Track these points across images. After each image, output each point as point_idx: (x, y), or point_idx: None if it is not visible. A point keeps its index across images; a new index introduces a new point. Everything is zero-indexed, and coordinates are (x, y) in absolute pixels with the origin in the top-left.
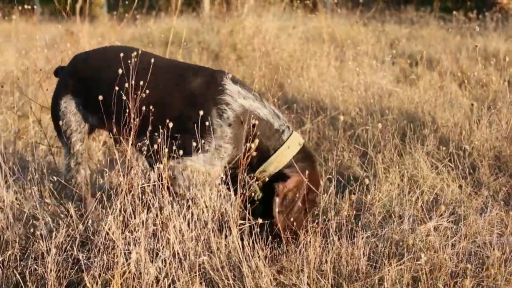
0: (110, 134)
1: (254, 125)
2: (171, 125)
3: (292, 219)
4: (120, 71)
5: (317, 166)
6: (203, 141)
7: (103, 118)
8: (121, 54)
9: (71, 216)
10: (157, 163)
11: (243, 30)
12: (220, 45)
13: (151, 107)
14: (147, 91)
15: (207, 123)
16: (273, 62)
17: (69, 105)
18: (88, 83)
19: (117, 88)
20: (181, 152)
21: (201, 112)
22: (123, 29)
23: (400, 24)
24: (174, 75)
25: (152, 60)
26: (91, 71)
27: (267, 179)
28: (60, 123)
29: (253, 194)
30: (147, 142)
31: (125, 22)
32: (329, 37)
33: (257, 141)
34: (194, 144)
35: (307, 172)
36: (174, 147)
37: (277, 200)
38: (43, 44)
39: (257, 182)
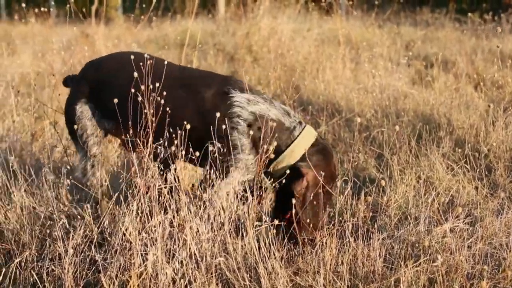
0: (124, 140)
1: (270, 129)
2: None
3: (311, 215)
4: (135, 74)
5: (333, 157)
6: (228, 159)
7: (118, 123)
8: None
9: (88, 217)
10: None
11: (258, 32)
12: (236, 47)
13: (166, 116)
14: (162, 101)
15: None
16: (288, 64)
17: (84, 110)
18: (103, 88)
19: (133, 90)
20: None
21: (216, 129)
22: (139, 32)
23: (416, 26)
24: (182, 85)
25: (166, 68)
26: (105, 77)
27: (284, 172)
28: (76, 127)
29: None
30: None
31: (141, 25)
32: (345, 39)
33: (275, 143)
34: (224, 165)
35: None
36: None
37: (296, 202)
38: (59, 47)
39: (271, 182)
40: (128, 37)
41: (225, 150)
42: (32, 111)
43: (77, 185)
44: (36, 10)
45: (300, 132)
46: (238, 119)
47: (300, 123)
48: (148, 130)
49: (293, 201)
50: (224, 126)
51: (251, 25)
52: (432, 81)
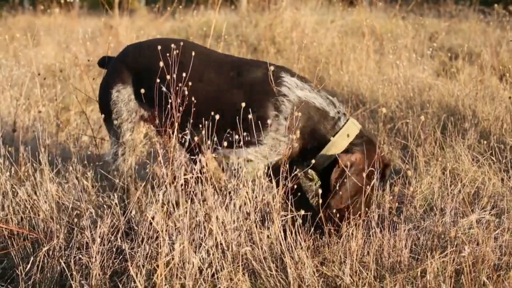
0: (158, 126)
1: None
2: (217, 117)
3: (347, 195)
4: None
5: (376, 151)
6: (258, 134)
7: (153, 109)
8: (173, 46)
9: (115, 207)
10: (200, 155)
11: (281, 24)
12: (259, 39)
13: (201, 100)
14: (200, 85)
15: (264, 116)
16: (312, 56)
17: (120, 94)
18: (141, 73)
19: (168, 77)
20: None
21: (258, 105)
22: (162, 23)
23: (439, 18)
24: (229, 69)
25: (205, 53)
26: (144, 62)
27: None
28: (111, 111)
29: (310, 182)
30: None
31: (165, 16)
32: (369, 31)
33: (319, 132)
34: (249, 137)
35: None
36: (224, 140)
37: (337, 168)
38: (84, 38)
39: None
40: (152, 29)
41: (256, 124)
42: (58, 101)
43: (103, 173)
44: (62, 1)
45: (345, 124)
46: (284, 98)
47: (344, 114)
48: (175, 115)
49: (335, 167)
50: (267, 102)
51: (274, 17)
52: (456, 73)
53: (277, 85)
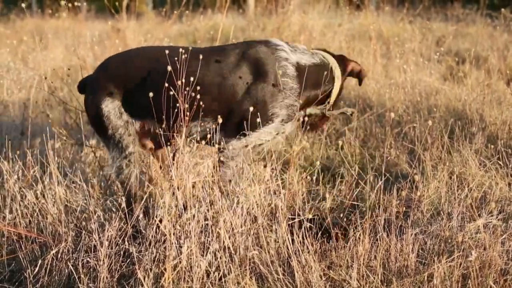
0: (158, 130)
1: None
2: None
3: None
4: (168, 68)
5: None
6: (273, 106)
7: (149, 118)
8: (167, 51)
9: (122, 210)
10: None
11: (289, 27)
12: None
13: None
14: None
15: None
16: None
17: (111, 109)
18: (130, 84)
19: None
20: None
21: (268, 77)
22: (169, 26)
23: (447, 22)
24: (225, 56)
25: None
26: (132, 72)
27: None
28: (107, 127)
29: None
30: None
31: (173, 20)
32: (376, 35)
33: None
34: (270, 113)
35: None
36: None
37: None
38: (92, 41)
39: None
40: (159, 32)
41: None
42: (65, 105)
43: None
44: (70, 4)
45: (328, 61)
46: (286, 62)
47: (316, 53)
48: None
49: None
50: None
51: (282, 20)
52: (463, 77)
53: (277, 52)
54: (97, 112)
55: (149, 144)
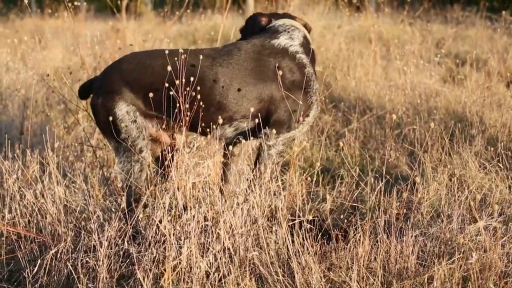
0: (172, 128)
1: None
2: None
3: None
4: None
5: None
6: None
7: (164, 119)
8: (181, 50)
9: (122, 211)
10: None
11: None
12: None
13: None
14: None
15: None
16: (319, 61)
17: (125, 112)
18: (150, 87)
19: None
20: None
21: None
22: (169, 27)
23: (446, 24)
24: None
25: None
26: (152, 75)
27: None
28: (120, 130)
29: None
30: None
31: (173, 20)
32: (376, 36)
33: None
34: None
35: None
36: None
37: None
38: (92, 41)
39: None
40: (159, 32)
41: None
42: (64, 105)
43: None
44: (70, 4)
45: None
46: (296, 54)
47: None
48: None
49: None
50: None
51: None
52: (463, 79)
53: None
54: (110, 116)
55: (168, 139)
